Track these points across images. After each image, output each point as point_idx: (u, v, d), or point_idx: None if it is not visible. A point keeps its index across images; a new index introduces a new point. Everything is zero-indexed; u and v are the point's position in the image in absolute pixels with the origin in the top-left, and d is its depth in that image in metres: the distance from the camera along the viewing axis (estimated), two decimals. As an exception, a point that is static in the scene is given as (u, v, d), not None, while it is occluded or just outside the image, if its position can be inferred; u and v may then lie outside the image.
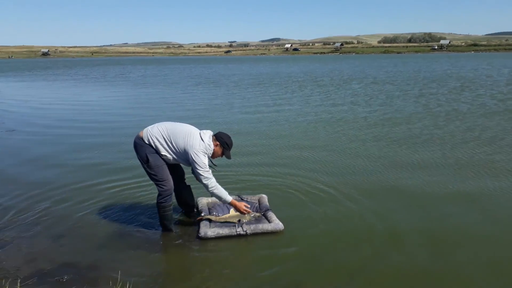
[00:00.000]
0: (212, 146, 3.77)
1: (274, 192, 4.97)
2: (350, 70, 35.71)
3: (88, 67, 50.93)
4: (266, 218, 4.07)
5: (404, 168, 5.96)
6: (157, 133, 3.75)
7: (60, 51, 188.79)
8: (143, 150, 3.75)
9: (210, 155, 3.82)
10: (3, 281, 3.10)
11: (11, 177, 5.85)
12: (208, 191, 3.83)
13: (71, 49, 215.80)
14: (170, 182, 3.82)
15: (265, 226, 3.87)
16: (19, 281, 3.07)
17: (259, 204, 4.45)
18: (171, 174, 3.89)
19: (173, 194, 3.99)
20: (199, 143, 3.69)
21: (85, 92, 19.15)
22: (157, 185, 3.81)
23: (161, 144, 3.73)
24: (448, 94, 15.09)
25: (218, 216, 4.12)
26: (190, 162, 3.72)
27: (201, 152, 3.68)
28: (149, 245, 3.73)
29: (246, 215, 4.07)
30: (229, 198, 3.93)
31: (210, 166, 3.81)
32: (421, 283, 3.12)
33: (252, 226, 3.85)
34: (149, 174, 3.82)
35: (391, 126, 9.18)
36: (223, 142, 3.82)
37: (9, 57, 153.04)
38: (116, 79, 29.20)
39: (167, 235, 3.91)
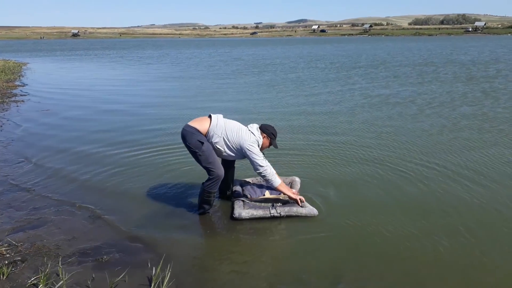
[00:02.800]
0: (261, 138, 3.87)
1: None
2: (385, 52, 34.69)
3: (124, 49, 51.05)
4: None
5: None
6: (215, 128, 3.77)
7: (90, 32, 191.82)
8: (195, 137, 3.71)
9: (260, 147, 3.86)
10: (45, 258, 3.13)
11: (51, 148, 6.14)
12: (267, 180, 3.84)
13: (99, 30, 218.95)
14: (221, 168, 3.79)
15: (299, 210, 3.83)
16: (60, 259, 3.09)
17: (290, 186, 4.36)
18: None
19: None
20: (251, 136, 3.81)
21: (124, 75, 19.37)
22: (207, 169, 3.77)
23: (218, 138, 3.76)
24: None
25: (252, 197, 4.10)
26: (246, 155, 3.78)
27: (255, 143, 3.79)
28: (188, 227, 3.71)
29: (281, 197, 4.08)
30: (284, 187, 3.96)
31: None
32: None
33: (286, 209, 3.81)
34: (199, 158, 3.76)
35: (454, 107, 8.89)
36: (269, 133, 3.92)
37: (40, 37, 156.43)
38: (154, 61, 29.35)
39: (205, 217, 3.90)
